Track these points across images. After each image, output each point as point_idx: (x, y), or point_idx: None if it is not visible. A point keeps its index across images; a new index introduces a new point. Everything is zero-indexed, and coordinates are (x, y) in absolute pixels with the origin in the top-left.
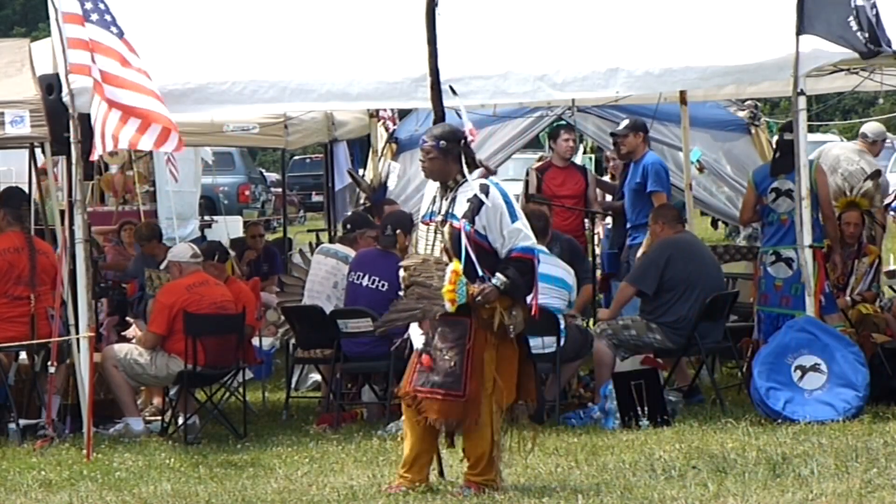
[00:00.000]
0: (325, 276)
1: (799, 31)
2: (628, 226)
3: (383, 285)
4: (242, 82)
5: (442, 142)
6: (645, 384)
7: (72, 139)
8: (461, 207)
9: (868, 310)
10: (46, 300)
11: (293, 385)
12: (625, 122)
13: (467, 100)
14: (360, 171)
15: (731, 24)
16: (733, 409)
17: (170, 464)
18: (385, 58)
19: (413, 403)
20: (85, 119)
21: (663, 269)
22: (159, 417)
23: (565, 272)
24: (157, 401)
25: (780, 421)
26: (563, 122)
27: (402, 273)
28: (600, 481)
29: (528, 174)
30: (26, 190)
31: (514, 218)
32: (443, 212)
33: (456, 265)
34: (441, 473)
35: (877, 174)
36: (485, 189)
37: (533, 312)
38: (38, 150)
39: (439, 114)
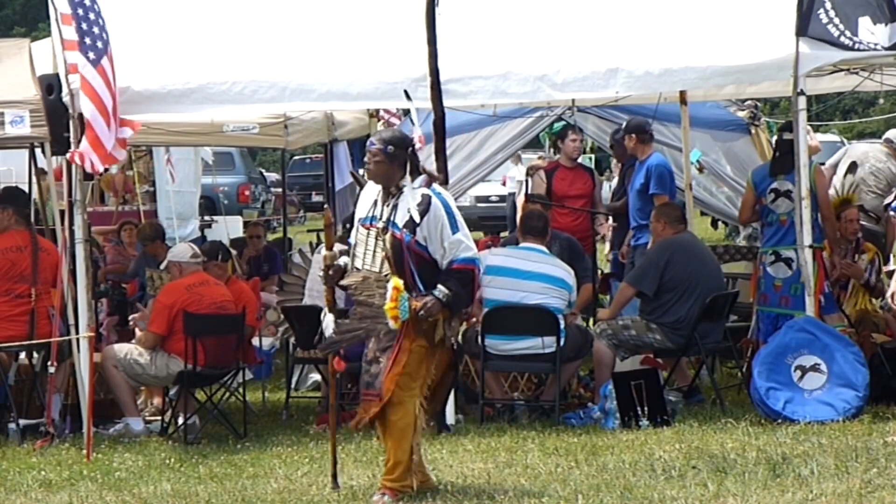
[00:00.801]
0: None
1: (798, 32)
2: (632, 225)
3: None
4: (242, 82)
5: (390, 147)
6: (645, 384)
7: (72, 139)
8: (402, 216)
9: (872, 305)
10: (47, 299)
11: (293, 385)
12: (623, 126)
13: (467, 100)
14: (361, 172)
15: (731, 24)
16: (733, 409)
17: (170, 464)
18: (385, 58)
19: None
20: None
21: (663, 270)
22: (159, 417)
23: (565, 272)
24: (157, 401)
25: (780, 421)
26: (566, 122)
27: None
28: (600, 481)
29: (528, 173)
30: (26, 190)
31: (455, 229)
32: (384, 218)
33: (396, 282)
34: (334, 477)
35: (853, 167)
36: (426, 199)
37: (471, 321)
38: (38, 150)
39: (439, 114)
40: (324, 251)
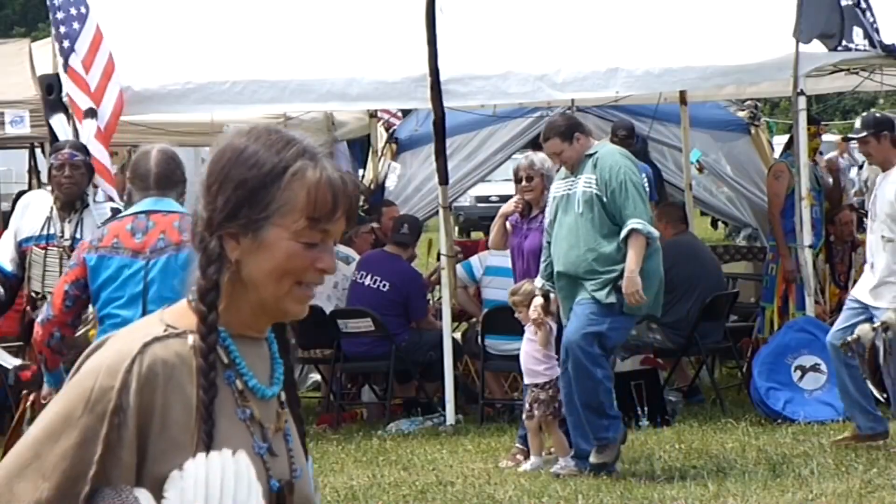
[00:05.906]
0: None
1: (797, 35)
2: None
3: (384, 285)
4: (242, 82)
5: (88, 157)
6: (645, 384)
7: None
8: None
9: None
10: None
11: None
12: None
13: (467, 100)
14: (360, 172)
15: (731, 24)
16: (733, 409)
17: None
18: (385, 58)
19: None
20: None
21: (665, 271)
22: None
23: None
24: None
25: (780, 421)
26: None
27: None
28: (600, 481)
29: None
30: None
31: None
32: (67, 235)
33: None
34: None
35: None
36: (117, 213)
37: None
38: (38, 150)
39: (439, 113)
40: None
